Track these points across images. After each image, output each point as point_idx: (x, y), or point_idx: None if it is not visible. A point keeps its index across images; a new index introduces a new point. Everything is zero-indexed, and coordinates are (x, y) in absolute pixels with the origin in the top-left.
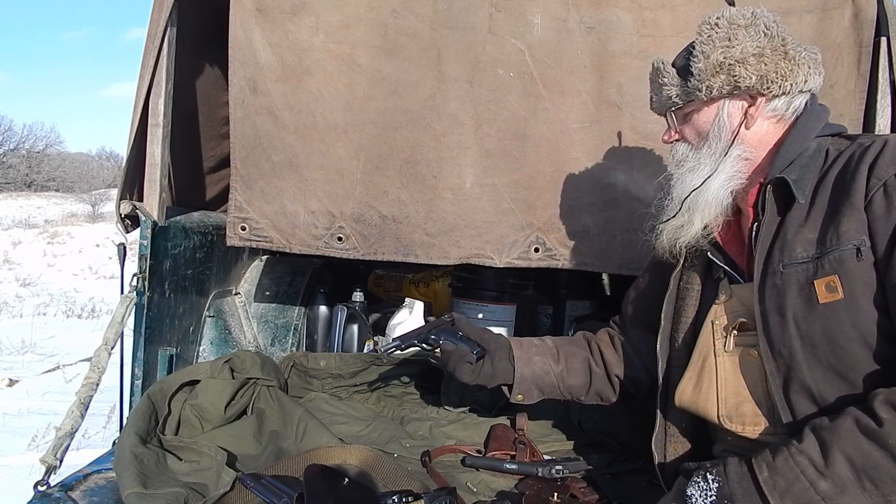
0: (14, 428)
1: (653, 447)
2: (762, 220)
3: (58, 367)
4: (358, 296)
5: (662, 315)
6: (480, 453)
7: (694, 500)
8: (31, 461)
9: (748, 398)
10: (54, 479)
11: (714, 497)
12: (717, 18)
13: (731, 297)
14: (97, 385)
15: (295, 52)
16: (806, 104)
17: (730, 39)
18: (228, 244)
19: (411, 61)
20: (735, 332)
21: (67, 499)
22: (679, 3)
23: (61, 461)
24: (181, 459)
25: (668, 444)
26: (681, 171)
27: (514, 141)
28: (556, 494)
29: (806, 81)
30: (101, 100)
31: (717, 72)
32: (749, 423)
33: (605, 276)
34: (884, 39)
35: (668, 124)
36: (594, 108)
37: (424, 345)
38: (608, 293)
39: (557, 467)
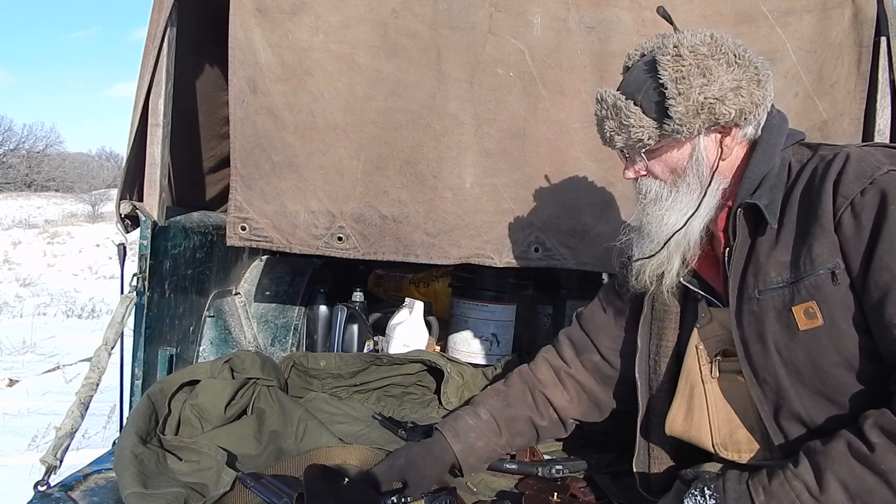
0: (14, 428)
1: (634, 468)
2: (734, 246)
3: (58, 367)
4: (358, 296)
5: (639, 338)
6: None
7: None
8: (31, 461)
9: (740, 425)
10: (54, 479)
11: None
12: (676, 47)
13: (711, 321)
14: (97, 385)
15: (295, 52)
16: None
17: (704, 75)
18: (228, 244)
19: (411, 61)
20: (719, 358)
21: (67, 499)
22: (679, 2)
23: (61, 461)
24: (181, 459)
25: (652, 465)
26: (657, 209)
27: (514, 141)
28: (555, 494)
29: (771, 100)
30: (103, 100)
31: (697, 113)
32: (745, 449)
33: (604, 276)
34: (884, 39)
35: (630, 161)
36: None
37: None
38: None
39: (557, 467)
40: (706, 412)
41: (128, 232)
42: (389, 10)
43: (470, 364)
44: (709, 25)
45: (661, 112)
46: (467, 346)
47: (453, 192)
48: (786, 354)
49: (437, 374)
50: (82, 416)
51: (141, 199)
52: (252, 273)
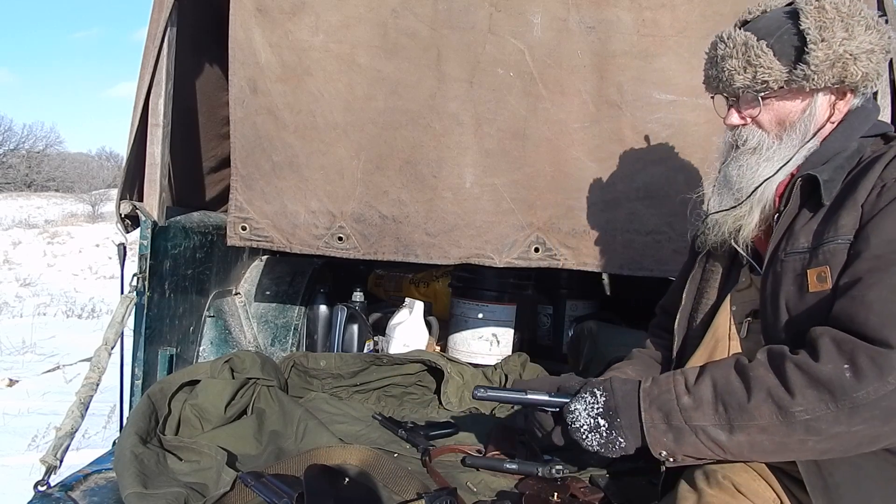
0: (14, 428)
1: None
2: (783, 212)
3: (58, 367)
4: (358, 296)
5: (684, 294)
6: (480, 453)
7: (577, 413)
8: (31, 461)
9: None
10: (54, 479)
11: (601, 409)
12: (818, 0)
13: (750, 286)
14: (97, 385)
15: (295, 52)
16: None
17: (847, 30)
18: (229, 244)
19: (411, 61)
20: (749, 319)
21: (67, 499)
22: (679, 2)
23: (61, 461)
24: (181, 459)
25: None
26: (755, 158)
27: (514, 141)
28: (555, 494)
29: (884, 77)
30: (106, 100)
31: (833, 65)
32: None
33: (605, 276)
34: None
35: (737, 106)
36: (594, 107)
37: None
38: (608, 293)
39: (557, 467)
40: None
41: (128, 232)
42: (389, 9)
43: (470, 364)
44: (709, 24)
45: (796, 57)
46: (467, 346)
47: (453, 192)
48: (794, 314)
49: (437, 374)
50: (82, 416)
51: (141, 199)
52: (252, 273)
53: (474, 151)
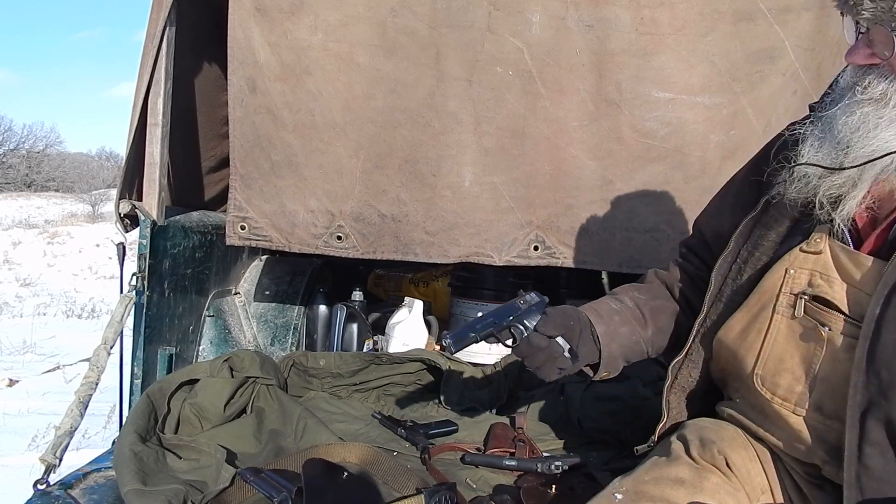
0: (14, 428)
1: (668, 370)
2: None
3: (58, 367)
4: (357, 295)
5: (734, 237)
6: (480, 451)
7: None
8: (31, 461)
9: (789, 370)
10: (54, 478)
11: None
12: None
13: (826, 253)
14: (97, 384)
15: (294, 51)
16: None
17: None
18: (228, 243)
19: (410, 60)
20: (806, 298)
21: (67, 497)
22: (677, 0)
23: (61, 460)
24: (180, 458)
25: (683, 367)
26: (875, 113)
27: (513, 139)
28: (553, 487)
29: None
30: (106, 100)
31: None
32: (781, 394)
33: (604, 275)
34: None
35: (865, 40)
36: (593, 106)
37: (507, 332)
38: (608, 291)
39: (556, 463)
40: (762, 339)
41: (127, 231)
42: (388, 8)
43: (469, 363)
44: (707, 23)
45: None
46: None
47: (452, 190)
48: None
49: (436, 373)
50: (82, 415)
51: (140, 199)
52: (252, 273)
53: (473, 150)
